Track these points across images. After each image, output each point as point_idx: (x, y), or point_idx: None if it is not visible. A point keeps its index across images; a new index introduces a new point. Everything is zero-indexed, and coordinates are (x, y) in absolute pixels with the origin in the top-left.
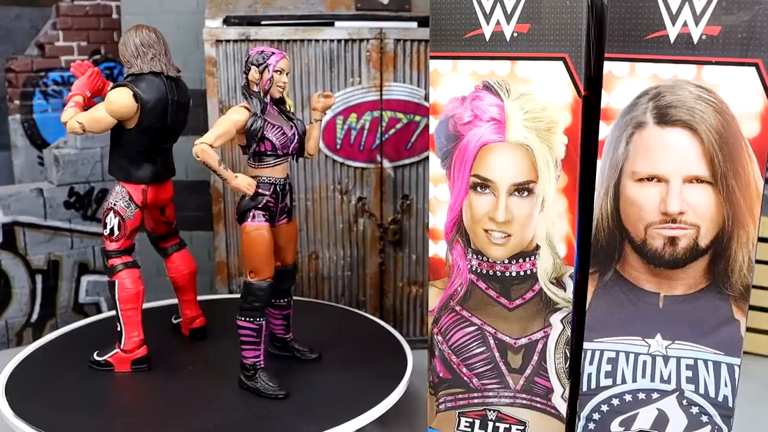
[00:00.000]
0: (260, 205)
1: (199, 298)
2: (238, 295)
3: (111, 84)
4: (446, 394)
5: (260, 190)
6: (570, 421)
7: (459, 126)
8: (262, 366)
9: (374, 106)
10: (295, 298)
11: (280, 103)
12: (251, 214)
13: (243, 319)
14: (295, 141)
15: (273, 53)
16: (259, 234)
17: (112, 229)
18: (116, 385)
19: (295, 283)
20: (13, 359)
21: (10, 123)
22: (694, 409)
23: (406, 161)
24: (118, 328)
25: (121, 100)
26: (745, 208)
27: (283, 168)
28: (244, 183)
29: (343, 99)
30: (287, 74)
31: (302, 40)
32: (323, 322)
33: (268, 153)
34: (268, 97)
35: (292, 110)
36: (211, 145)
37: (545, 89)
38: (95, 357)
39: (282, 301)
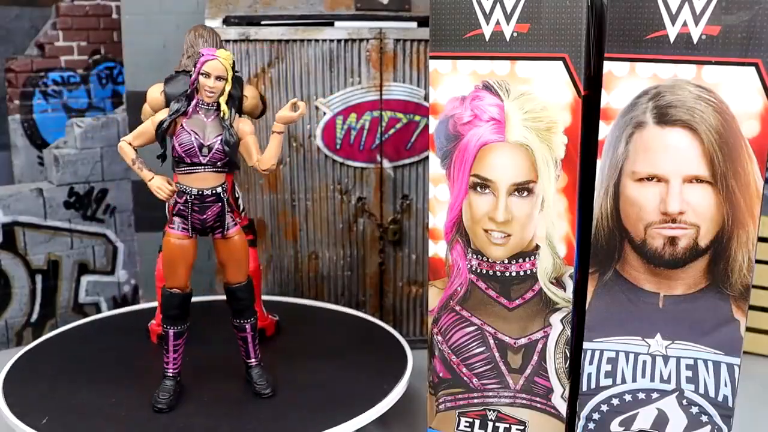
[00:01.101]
0: (175, 211)
1: (198, 299)
2: None
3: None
4: (446, 394)
5: (175, 196)
6: (570, 421)
7: (459, 126)
8: (170, 375)
9: (374, 106)
10: (294, 299)
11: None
12: (170, 218)
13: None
14: (214, 151)
15: (203, 54)
16: (167, 240)
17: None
18: (114, 384)
19: (247, 304)
20: (11, 359)
21: (9, 123)
22: (694, 409)
23: (406, 161)
24: None
25: (151, 94)
26: (745, 208)
27: (200, 178)
28: (155, 185)
29: (343, 99)
30: (219, 78)
31: (302, 40)
32: (323, 322)
33: (176, 159)
34: (194, 100)
35: (226, 117)
36: (130, 143)
37: (545, 89)
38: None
39: (235, 321)
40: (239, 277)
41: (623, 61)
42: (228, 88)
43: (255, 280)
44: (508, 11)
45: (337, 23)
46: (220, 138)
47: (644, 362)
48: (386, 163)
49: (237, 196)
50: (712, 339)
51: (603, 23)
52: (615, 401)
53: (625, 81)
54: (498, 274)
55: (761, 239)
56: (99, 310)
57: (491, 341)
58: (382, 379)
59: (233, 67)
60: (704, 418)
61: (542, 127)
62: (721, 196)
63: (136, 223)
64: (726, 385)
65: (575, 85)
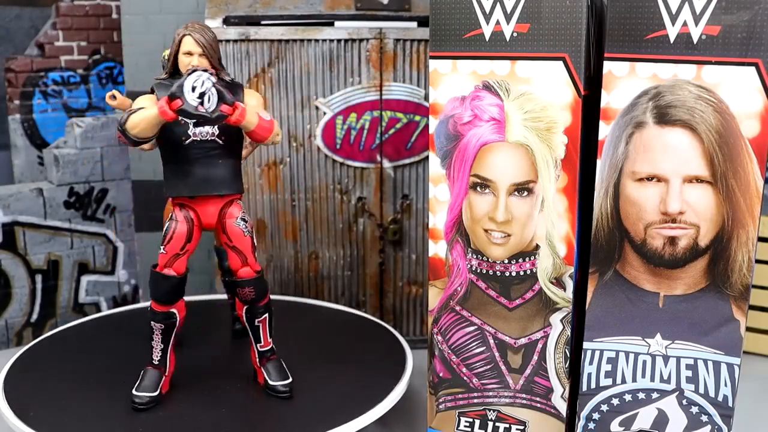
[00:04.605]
0: None
1: (198, 298)
2: None
3: None
4: (446, 394)
5: None
6: (570, 421)
7: (459, 126)
8: None
9: (374, 106)
10: (294, 298)
11: None
12: None
13: None
14: None
15: None
16: None
17: None
18: (114, 384)
19: None
20: (11, 359)
21: (9, 123)
22: (694, 409)
23: (406, 161)
24: None
25: None
26: (744, 208)
27: None
28: None
29: (343, 99)
30: None
31: (302, 40)
32: (323, 322)
33: None
34: None
35: None
36: None
37: (545, 89)
38: None
39: None
40: None
41: (623, 61)
42: None
43: None
44: (508, 11)
45: (337, 23)
46: None
47: (644, 362)
48: (386, 163)
49: None
50: (712, 339)
51: (603, 23)
52: (615, 401)
53: (625, 81)
54: (498, 274)
55: (761, 239)
56: (99, 310)
57: (491, 341)
58: (382, 379)
59: None
60: (704, 418)
61: (542, 127)
62: (721, 196)
63: (136, 223)
64: (726, 385)
65: (575, 85)
